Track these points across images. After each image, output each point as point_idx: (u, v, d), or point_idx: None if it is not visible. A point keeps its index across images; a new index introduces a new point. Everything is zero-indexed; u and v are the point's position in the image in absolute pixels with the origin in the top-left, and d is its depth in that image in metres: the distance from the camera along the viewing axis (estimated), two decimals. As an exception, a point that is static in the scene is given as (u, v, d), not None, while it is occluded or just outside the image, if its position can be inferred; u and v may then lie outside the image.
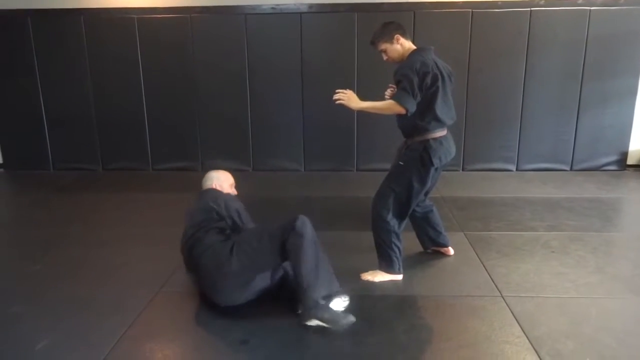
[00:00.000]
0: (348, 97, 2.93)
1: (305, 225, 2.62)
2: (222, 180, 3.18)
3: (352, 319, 2.57)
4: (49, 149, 6.18)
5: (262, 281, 2.77)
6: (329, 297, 2.65)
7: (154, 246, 3.69)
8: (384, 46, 3.05)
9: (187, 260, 2.93)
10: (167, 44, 5.78)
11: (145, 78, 5.89)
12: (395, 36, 3.01)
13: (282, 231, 2.62)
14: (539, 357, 2.31)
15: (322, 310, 2.55)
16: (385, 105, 2.93)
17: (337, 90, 2.96)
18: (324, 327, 2.53)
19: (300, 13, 5.62)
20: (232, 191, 3.21)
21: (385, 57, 3.11)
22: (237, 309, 2.71)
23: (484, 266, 3.31)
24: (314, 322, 2.56)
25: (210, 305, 2.77)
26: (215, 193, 3.05)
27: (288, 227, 2.61)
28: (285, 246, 2.60)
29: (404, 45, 3.04)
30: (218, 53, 5.78)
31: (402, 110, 2.86)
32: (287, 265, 2.84)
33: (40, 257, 3.54)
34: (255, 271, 2.70)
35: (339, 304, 2.70)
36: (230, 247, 2.67)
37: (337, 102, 2.95)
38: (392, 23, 3.07)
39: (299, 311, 2.64)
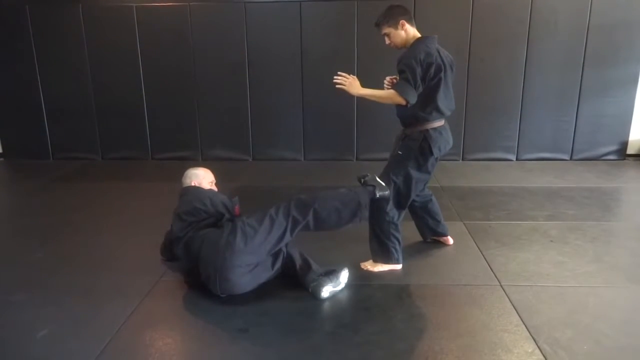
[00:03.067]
0: (349, 83, 2.89)
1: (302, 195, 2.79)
2: (201, 178, 3.17)
3: None
4: (49, 138, 6.18)
5: (265, 272, 2.79)
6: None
7: (154, 235, 3.68)
8: (387, 30, 2.97)
9: (181, 258, 2.91)
10: (167, 33, 5.75)
11: (144, 67, 5.87)
12: (401, 21, 2.93)
13: (283, 205, 2.73)
14: (537, 345, 2.33)
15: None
16: (386, 94, 2.90)
17: (339, 73, 2.92)
18: (327, 309, 2.57)
19: (300, 1, 5.58)
20: (213, 188, 3.20)
21: (387, 42, 3.02)
22: (237, 297, 2.72)
23: (483, 255, 3.32)
24: (328, 290, 2.74)
25: (211, 294, 2.78)
26: (198, 192, 3.03)
27: (286, 201, 2.74)
28: (292, 212, 2.70)
29: (408, 32, 2.96)
30: (217, 42, 5.75)
31: (402, 101, 2.82)
32: (291, 249, 2.88)
33: (40, 246, 3.55)
34: (259, 249, 2.68)
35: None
36: (230, 230, 2.67)
37: (337, 86, 2.92)
38: (399, 7, 2.99)
39: (311, 285, 2.77)
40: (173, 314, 2.67)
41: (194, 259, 2.77)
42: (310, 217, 2.72)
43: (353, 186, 2.94)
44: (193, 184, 3.13)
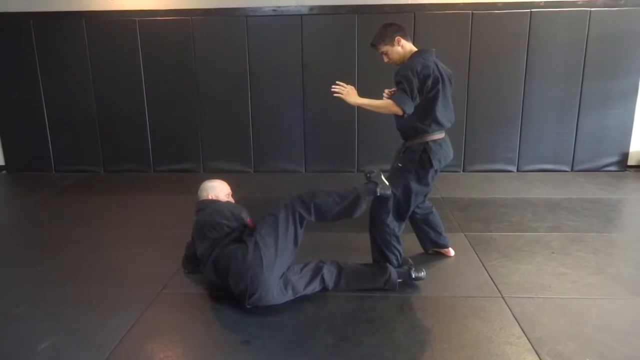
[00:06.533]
0: (347, 92, 2.92)
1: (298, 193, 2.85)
2: (218, 190, 3.17)
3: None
4: (51, 151, 6.21)
5: (295, 288, 2.81)
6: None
7: (156, 247, 3.71)
8: (384, 48, 3.03)
9: (209, 276, 2.92)
10: (169, 47, 5.80)
11: (146, 80, 5.91)
12: (396, 38, 3.00)
13: (286, 206, 2.79)
14: (540, 357, 2.32)
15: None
16: (383, 104, 2.92)
17: (337, 82, 2.95)
18: (329, 321, 2.56)
19: (301, 15, 5.64)
20: (230, 200, 3.21)
21: (386, 59, 3.09)
22: (238, 310, 2.73)
23: (484, 267, 3.31)
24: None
25: (212, 306, 2.78)
26: (217, 205, 3.03)
27: (288, 201, 2.81)
28: (298, 210, 2.77)
29: (405, 47, 3.02)
30: (219, 55, 5.80)
31: (398, 111, 2.84)
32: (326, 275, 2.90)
33: (42, 259, 3.55)
34: (284, 253, 2.73)
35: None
36: (253, 246, 2.68)
37: (335, 95, 2.95)
38: (392, 25, 3.05)
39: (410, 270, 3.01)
40: (174, 326, 2.67)
41: (223, 276, 2.77)
42: (312, 211, 2.78)
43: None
44: (210, 197, 3.12)
